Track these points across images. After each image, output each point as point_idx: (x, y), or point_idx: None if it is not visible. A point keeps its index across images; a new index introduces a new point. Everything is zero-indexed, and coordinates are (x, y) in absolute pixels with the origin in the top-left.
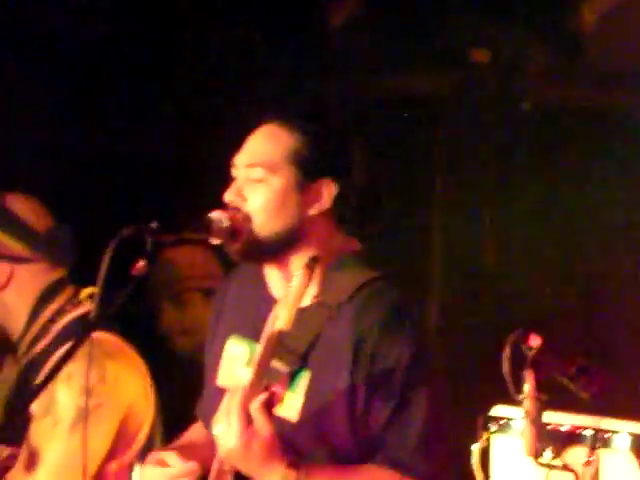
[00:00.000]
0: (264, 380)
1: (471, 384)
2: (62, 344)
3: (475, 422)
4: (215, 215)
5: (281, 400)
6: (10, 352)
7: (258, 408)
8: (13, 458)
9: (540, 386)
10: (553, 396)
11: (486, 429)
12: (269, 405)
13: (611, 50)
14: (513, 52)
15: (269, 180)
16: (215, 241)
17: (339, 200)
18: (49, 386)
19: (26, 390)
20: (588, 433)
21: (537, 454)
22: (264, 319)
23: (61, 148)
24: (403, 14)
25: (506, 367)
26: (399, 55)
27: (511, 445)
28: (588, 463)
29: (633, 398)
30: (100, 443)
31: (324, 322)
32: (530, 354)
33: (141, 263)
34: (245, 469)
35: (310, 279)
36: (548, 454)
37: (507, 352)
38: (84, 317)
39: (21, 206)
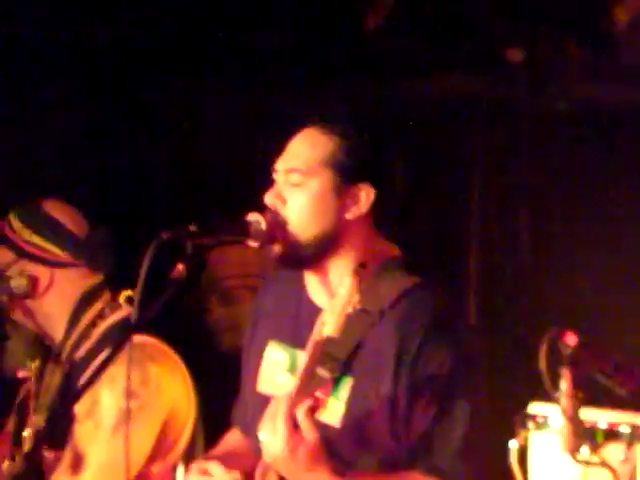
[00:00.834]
0: (309, 386)
1: (509, 382)
2: (104, 347)
3: (513, 420)
4: (253, 217)
5: (324, 406)
6: (51, 359)
7: (304, 414)
8: (56, 461)
9: (577, 383)
10: (590, 393)
11: (524, 427)
12: (314, 411)
13: None
14: (548, 52)
15: (307, 184)
16: (253, 244)
17: (377, 205)
18: (92, 389)
19: (69, 393)
20: (625, 430)
21: (575, 451)
22: (305, 325)
23: (96, 154)
24: (438, 16)
25: (543, 365)
26: (434, 57)
27: (549, 442)
28: (626, 460)
29: None
30: (142, 445)
31: (366, 329)
32: (567, 352)
33: (180, 266)
34: (290, 475)
35: (358, 286)
36: (585, 451)
37: (544, 350)
38: (124, 320)
39: (60, 212)
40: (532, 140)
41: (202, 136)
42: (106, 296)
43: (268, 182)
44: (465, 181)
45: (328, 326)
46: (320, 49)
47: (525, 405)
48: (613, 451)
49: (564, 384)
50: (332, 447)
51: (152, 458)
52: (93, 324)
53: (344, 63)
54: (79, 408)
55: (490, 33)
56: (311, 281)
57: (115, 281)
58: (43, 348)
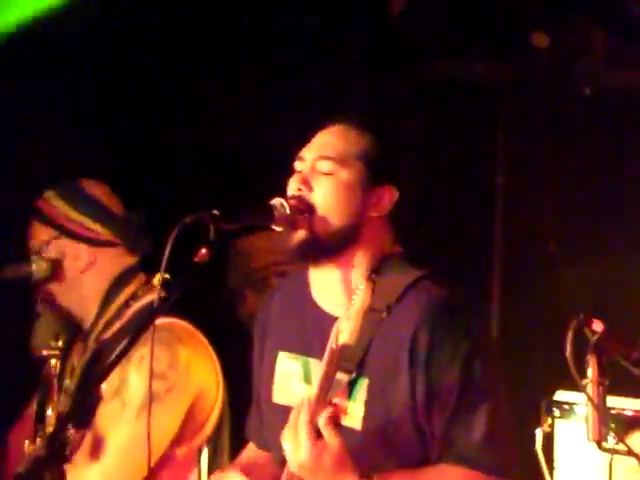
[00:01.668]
0: (328, 394)
1: (535, 369)
2: (134, 328)
3: (539, 407)
4: (276, 201)
5: (345, 411)
6: (80, 338)
7: (325, 422)
8: (81, 441)
9: (603, 371)
10: (616, 381)
11: (549, 414)
12: (335, 418)
13: None
14: (574, 37)
15: (338, 173)
16: (277, 228)
17: (398, 207)
18: (121, 369)
19: (96, 373)
20: None
21: (601, 439)
22: (313, 332)
23: (122, 137)
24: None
25: (569, 352)
26: (460, 41)
27: (574, 430)
28: None
29: None
30: (168, 427)
31: (375, 327)
32: (593, 339)
33: (203, 250)
34: None
35: (372, 293)
36: (611, 439)
37: (570, 337)
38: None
39: (98, 191)
40: (558, 125)
41: (230, 120)
42: (140, 278)
43: (287, 170)
44: (489, 165)
45: (344, 333)
46: (345, 34)
47: (551, 393)
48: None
49: (590, 371)
50: (356, 450)
51: (177, 441)
52: (126, 305)
53: (368, 48)
54: (106, 387)
55: (516, 17)
56: (316, 285)
57: (150, 263)
58: (70, 328)
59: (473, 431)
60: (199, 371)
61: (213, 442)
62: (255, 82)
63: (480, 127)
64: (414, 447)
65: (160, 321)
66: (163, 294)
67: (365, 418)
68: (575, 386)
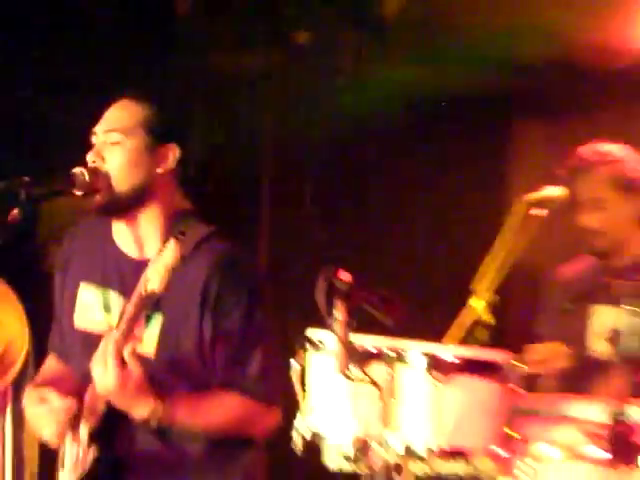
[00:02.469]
0: (133, 330)
1: (292, 311)
2: None
3: (295, 342)
4: (77, 170)
5: (140, 340)
6: None
7: (130, 353)
8: None
9: (349, 313)
10: (360, 321)
11: (303, 348)
12: (135, 350)
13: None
14: (330, 35)
15: (124, 143)
16: (79, 193)
17: (181, 163)
18: None
19: None
20: (389, 352)
21: (346, 370)
22: (112, 268)
23: None
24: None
25: (320, 297)
26: (234, 37)
27: (324, 362)
28: (388, 377)
29: (426, 323)
30: None
31: (173, 273)
32: (341, 287)
33: (15, 212)
34: (121, 403)
35: (179, 250)
36: (356, 370)
37: (321, 284)
38: None
39: None
40: (320, 112)
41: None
42: None
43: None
44: (256, 149)
45: (152, 282)
46: (137, 29)
47: (305, 330)
48: (378, 370)
49: (338, 314)
50: (150, 376)
51: None
52: None
53: (157, 40)
54: None
55: (280, 16)
56: (119, 230)
57: None
58: None
59: (250, 366)
60: (8, 324)
61: (17, 383)
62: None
63: (248, 114)
64: (200, 376)
65: None
66: None
67: (158, 348)
68: (326, 325)
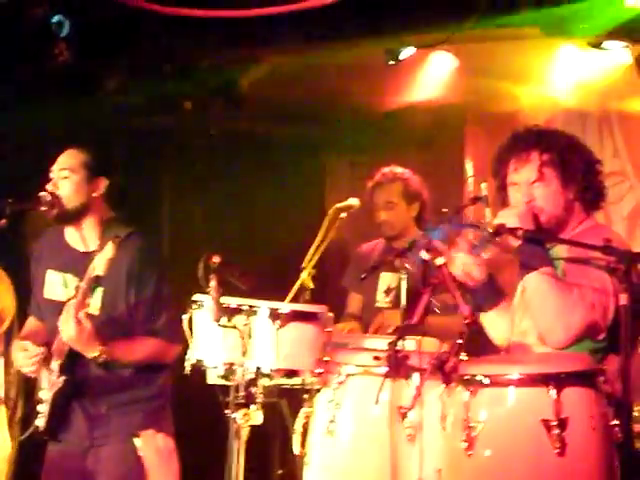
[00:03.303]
0: (85, 299)
1: (184, 283)
2: None
3: (186, 303)
4: (43, 194)
5: (89, 305)
6: None
7: (83, 315)
8: None
9: (219, 283)
10: (229, 289)
11: (190, 307)
12: (86, 312)
13: None
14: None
15: (71, 177)
16: (43, 209)
17: (108, 188)
18: None
19: None
20: (246, 308)
21: (218, 320)
22: (67, 259)
23: None
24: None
25: (201, 273)
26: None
27: (204, 316)
28: (246, 324)
29: (272, 289)
30: None
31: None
32: (214, 266)
33: (3, 221)
34: (78, 348)
35: (116, 247)
36: (224, 320)
37: (201, 265)
38: None
39: None
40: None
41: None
42: None
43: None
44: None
45: (97, 268)
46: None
47: (192, 294)
48: (239, 319)
49: (213, 283)
50: (96, 327)
51: None
52: None
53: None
54: None
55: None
56: (69, 232)
57: None
58: None
59: (160, 319)
60: (1, 295)
61: (7, 337)
62: None
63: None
64: (129, 327)
65: None
66: None
67: (100, 310)
68: (205, 291)
